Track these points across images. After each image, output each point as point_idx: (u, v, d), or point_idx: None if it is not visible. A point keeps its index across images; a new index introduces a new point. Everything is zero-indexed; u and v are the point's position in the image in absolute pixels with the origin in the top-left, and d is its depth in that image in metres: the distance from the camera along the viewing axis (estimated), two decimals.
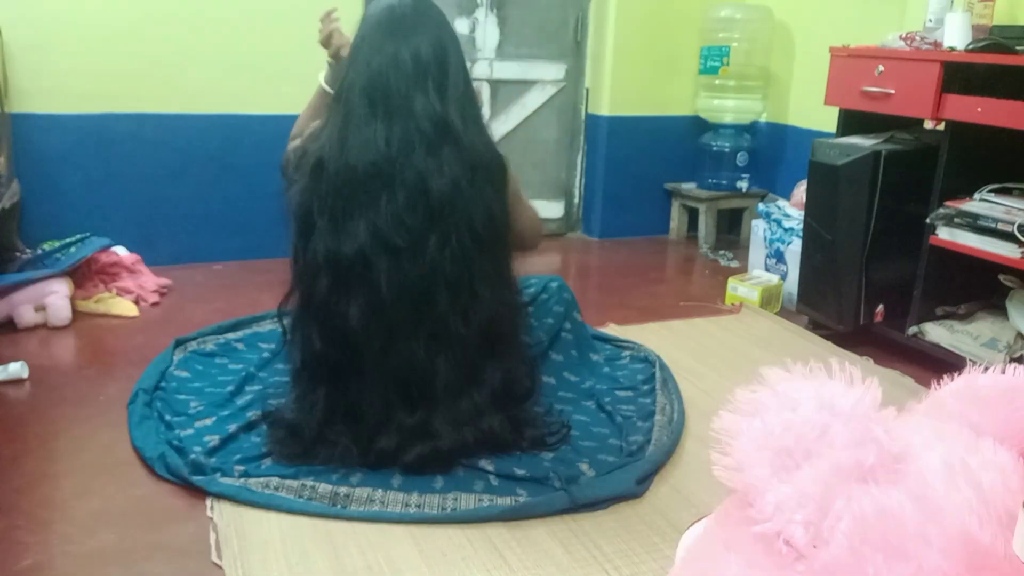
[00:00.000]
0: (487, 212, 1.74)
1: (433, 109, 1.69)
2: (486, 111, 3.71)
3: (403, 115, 1.68)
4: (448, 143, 1.70)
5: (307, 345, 1.79)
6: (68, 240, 2.87)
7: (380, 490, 1.70)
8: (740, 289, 3.03)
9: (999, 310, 2.48)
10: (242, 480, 1.71)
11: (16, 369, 2.19)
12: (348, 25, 1.89)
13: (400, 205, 1.68)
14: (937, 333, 2.50)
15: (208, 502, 1.67)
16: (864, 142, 2.56)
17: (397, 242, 1.67)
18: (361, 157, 1.67)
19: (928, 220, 2.43)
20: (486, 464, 1.80)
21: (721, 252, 3.72)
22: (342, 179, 1.68)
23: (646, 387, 2.21)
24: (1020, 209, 2.24)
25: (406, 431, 1.76)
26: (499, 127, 3.73)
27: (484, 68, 3.67)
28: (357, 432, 1.77)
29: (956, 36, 2.43)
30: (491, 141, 1.81)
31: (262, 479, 1.71)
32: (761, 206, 3.38)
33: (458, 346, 1.75)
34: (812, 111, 3.48)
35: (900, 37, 2.57)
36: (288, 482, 1.70)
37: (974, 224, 2.31)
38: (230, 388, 2.10)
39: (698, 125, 3.97)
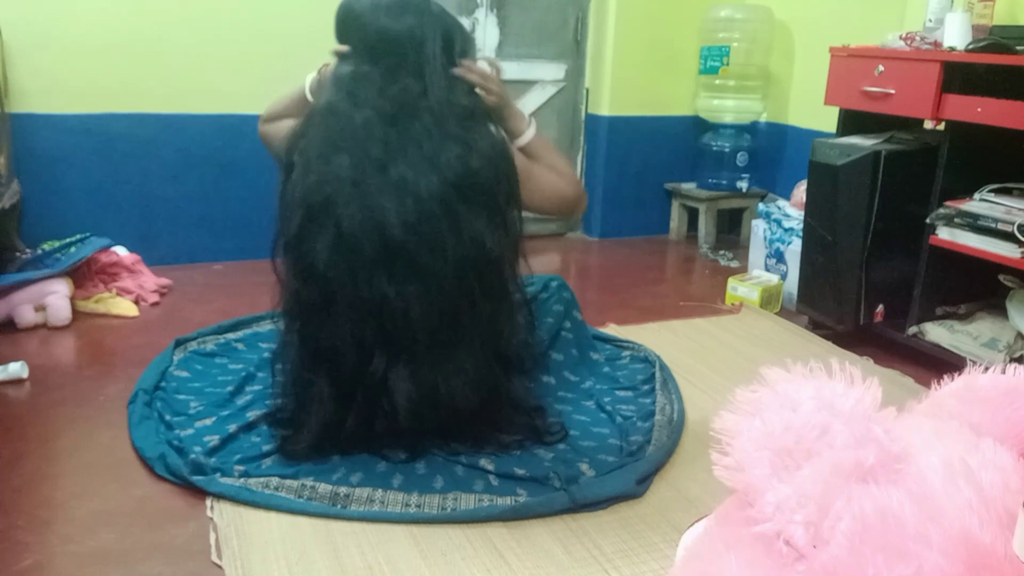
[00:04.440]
0: (463, 166, 1.73)
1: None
2: None
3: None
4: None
5: (286, 284, 1.80)
6: (68, 240, 2.87)
7: (380, 490, 1.70)
8: (740, 289, 3.03)
9: (999, 310, 2.48)
10: (242, 480, 1.71)
11: (16, 369, 2.19)
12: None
13: (368, 142, 1.71)
14: (937, 333, 2.49)
15: (208, 502, 1.67)
16: (864, 142, 2.56)
17: (360, 176, 1.69)
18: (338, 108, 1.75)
19: (928, 220, 2.43)
20: (486, 464, 1.80)
21: (721, 252, 3.72)
22: (323, 122, 1.75)
23: (646, 387, 2.21)
24: (1020, 209, 2.24)
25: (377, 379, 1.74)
26: None
27: (484, 68, 3.67)
28: (335, 378, 1.77)
29: (956, 36, 2.43)
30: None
31: (262, 479, 1.71)
32: (761, 206, 3.38)
33: (433, 283, 1.71)
34: (812, 111, 3.48)
35: (900, 37, 2.57)
36: (288, 482, 1.70)
37: (974, 224, 2.31)
38: (230, 388, 2.10)
39: (698, 125, 3.97)
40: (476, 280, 1.76)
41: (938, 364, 2.33)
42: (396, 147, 1.72)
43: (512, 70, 3.73)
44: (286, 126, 1.87)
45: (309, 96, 1.92)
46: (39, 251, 2.80)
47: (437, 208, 1.70)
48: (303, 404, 1.82)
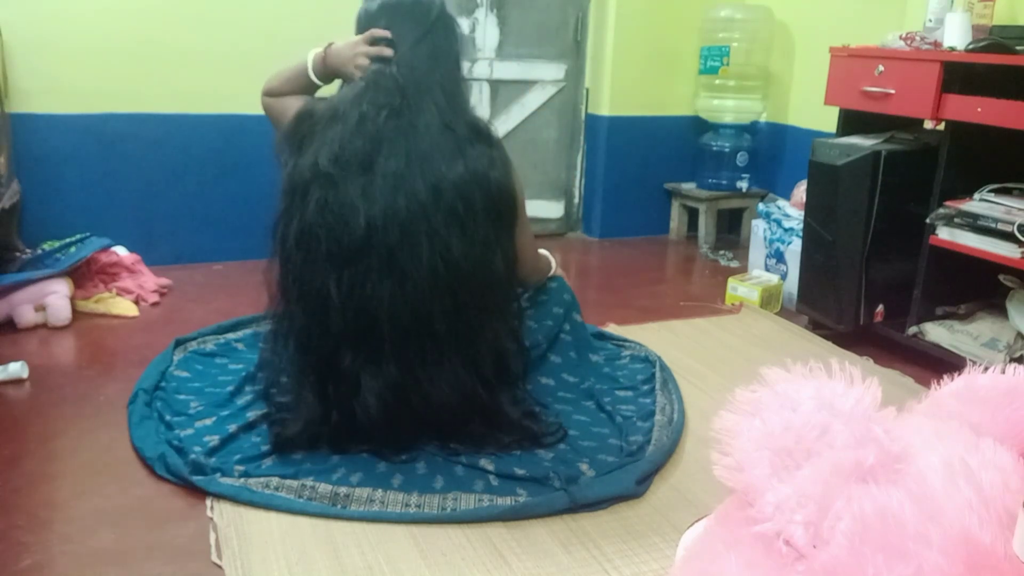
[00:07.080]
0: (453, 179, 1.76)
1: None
2: (486, 112, 3.71)
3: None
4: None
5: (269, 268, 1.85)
6: (68, 240, 2.87)
7: (380, 490, 1.70)
8: (740, 289, 3.03)
9: (999, 310, 2.48)
10: (242, 480, 1.71)
11: (16, 369, 2.19)
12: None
13: (345, 133, 1.75)
14: (937, 333, 2.49)
15: (208, 502, 1.67)
16: (864, 142, 2.56)
17: (331, 170, 1.72)
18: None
19: (928, 220, 2.43)
20: (486, 464, 1.80)
21: (721, 252, 3.72)
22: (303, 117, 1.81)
23: (646, 387, 2.21)
24: (1020, 209, 2.24)
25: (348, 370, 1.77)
26: (499, 127, 3.73)
27: (484, 68, 3.67)
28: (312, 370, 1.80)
29: (956, 36, 2.43)
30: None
31: (262, 479, 1.71)
32: (761, 206, 3.38)
33: (408, 284, 1.73)
34: (812, 111, 3.48)
35: (900, 37, 2.57)
36: (288, 482, 1.70)
37: (974, 224, 2.31)
38: (230, 388, 2.10)
39: (698, 125, 3.97)
40: (448, 293, 1.76)
41: (938, 364, 2.33)
42: (388, 144, 1.73)
43: (512, 70, 3.74)
44: (290, 105, 1.89)
45: (311, 74, 1.92)
46: (39, 251, 2.80)
47: (417, 211, 1.72)
48: (290, 391, 1.84)
